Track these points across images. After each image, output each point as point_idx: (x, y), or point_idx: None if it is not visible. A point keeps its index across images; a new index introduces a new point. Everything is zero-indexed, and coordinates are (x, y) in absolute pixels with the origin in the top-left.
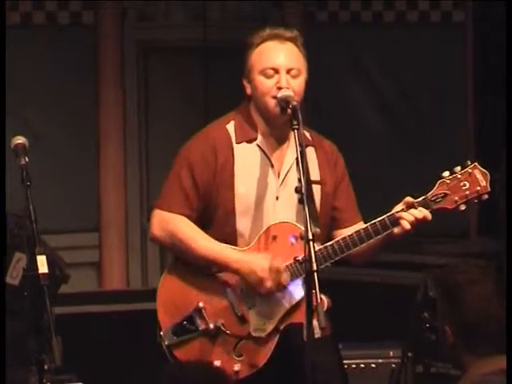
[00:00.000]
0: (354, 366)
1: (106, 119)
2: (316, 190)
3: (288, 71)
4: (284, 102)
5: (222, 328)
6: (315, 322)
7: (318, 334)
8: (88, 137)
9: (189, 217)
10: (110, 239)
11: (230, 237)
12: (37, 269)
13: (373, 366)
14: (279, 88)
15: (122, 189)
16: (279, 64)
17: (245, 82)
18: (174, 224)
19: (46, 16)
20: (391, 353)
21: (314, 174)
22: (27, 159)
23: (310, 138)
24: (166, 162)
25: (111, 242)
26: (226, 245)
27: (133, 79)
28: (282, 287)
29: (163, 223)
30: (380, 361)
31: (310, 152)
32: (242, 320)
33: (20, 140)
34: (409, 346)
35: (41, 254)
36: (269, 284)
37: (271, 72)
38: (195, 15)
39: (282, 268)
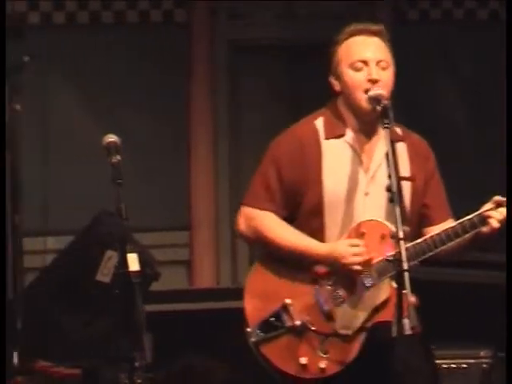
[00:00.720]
0: (444, 366)
1: (197, 118)
2: (406, 186)
3: (377, 63)
4: (375, 101)
5: (309, 325)
6: (405, 321)
7: (407, 331)
8: (179, 135)
9: (274, 213)
10: (200, 238)
11: (317, 232)
12: (128, 267)
13: (464, 366)
14: (370, 80)
15: (212, 188)
16: (368, 56)
17: (332, 79)
18: (259, 220)
19: (139, 14)
20: (482, 353)
21: (405, 170)
22: (119, 157)
23: (400, 133)
24: (256, 161)
25: (202, 240)
26: (311, 239)
27: (223, 78)
28: (369, 265)
29: (248, 219)
30: (471, 361)
31: (401, 147)
32: (329, 317)
33: (112, 138)
34: (500, 346)
35: (132, 251)
36: (356, 259)
37: (360, 65)
38: (285, 13)
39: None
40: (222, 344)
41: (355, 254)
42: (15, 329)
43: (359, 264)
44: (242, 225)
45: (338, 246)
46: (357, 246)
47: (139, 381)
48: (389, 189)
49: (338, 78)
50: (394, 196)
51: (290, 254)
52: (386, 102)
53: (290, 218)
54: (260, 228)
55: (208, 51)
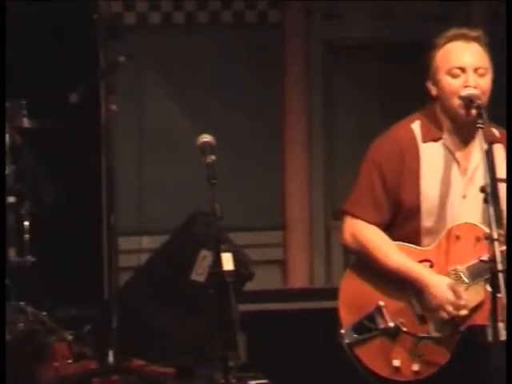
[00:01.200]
0: None
1: (291, 118)
2: (503, 188)
3: (475, 70)
4: (468, 101)
5: (402, 327)
6: (501, 325)
7: (503, 336)
8: (273, 135)
9: (379, 223)
10: (294, 238)
11: (413, 235)
12: (222, 266)
13: None
14: (466, 87)
15: (307, 188)
16: (466, 63)
17: (429, 84)
18: (365, 235)
19: (234, 15)
20: None
21: (502, 172)
22: (214, 157)
23: (497, 134)
24: (351, 162)
25: (296, 240)
26: (415, 262)
27: (317, 77)
28: (462, 309)
29: (354, 232)
30: None
31: (498, 149)
32: (423, 320)
33: (207, 138)
34: None
35: (226, 251)
36: (449, 310)
37: (458, 72)
38: (381, 13)
39: (463, 294)
40: (315, 344)
41: (453, 304)
42: (110, 328)
43: (449, 314)
44: (347, 236)
45: (441, 286)
46: (459, 297)
47: (234, 380)
48: (483, 190)
49: (435, 83)
50: (489, 197)
51: (391, 273)
52: (479, 101)
53: (388, 223)
54: (365, 244)
55: (302, 51)
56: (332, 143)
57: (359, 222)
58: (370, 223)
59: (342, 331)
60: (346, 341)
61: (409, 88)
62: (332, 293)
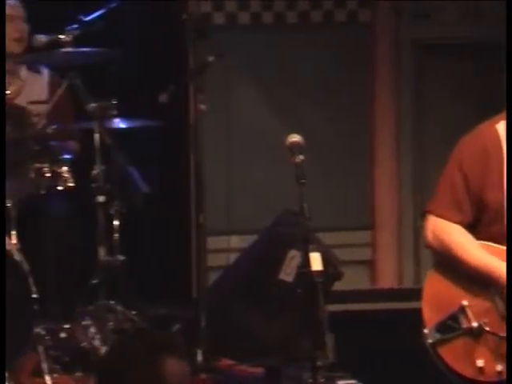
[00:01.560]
0: None
1: (380, 118)
2: None
3: None
4: None
5: (486, 327)
6: None
7: None
8: (362, 136)
9: (461, 222)
10: (383, 238)
11: (497, 236)
12: (311, 266)
13: None
14: None
15: (396, 189)
16: None
17: None
18: (447, 234)
19: (324, 14)
20: None
21: None
22: (302, 157)
23: None
24: (440, 162)
25: (384, 240)
26: (498, 260)
27: (407, 78)
28: None
29: (436, 231)
30: None
31: None
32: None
33: (295, 138)
34: None
35: (315, 251)
36: None
37: None
38: (472, 12)
39: None
40: (403, 344)
41: None
42: (199, 327)
43: None
44: (429, 236)
45: None
46: None
47: (322, 380)
48: None
49: None
50: None
51: (473, 271)
52: None
53: (472, 225)
54: (447, 242)
55: (392, 51)
56: (421, 143)
57: (441, 220)
58: (452, 222)
59: (426, 331)
60: (429, 340)
61: (499, 88)
62: (421, 293)
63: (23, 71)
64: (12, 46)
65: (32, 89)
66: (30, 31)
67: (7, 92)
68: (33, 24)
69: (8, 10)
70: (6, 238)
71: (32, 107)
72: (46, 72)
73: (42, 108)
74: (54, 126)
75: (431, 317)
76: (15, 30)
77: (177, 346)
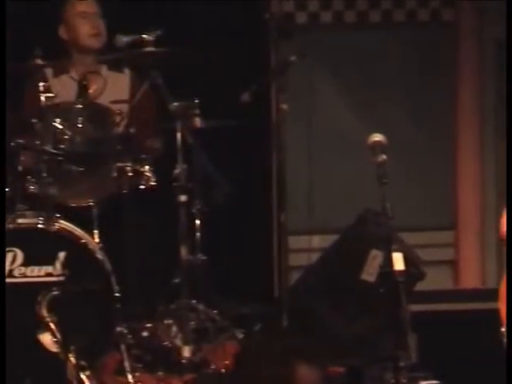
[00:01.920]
0: None
1: (463, 118)
2: None
3: None
4: None
5: None
6: None
7: None
8: (444, 136)
9: None
10: (465, 238)
11: None
12: (393, 266)
13: None
14: None
15: (479, 188)
16: None
17: None
18: None
19: (407, 13)
20: None
21: None
22: (384, 156)
23: None
24: None
25: (467, 240)
26: None
27: (491, 78)
28: None
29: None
30: None
31: None
32: None
33: (378, 137)
34: None
35: (397, 251)
36: None
37: None
38: None
39: None
40: (486, 345)
41: None
42: (281, 326)
43: None
44: (502, 229)
45: None
46: None
47: (404, 380)
48: None
49: None
50: None
51: None
52: None
53: None
54: None
55: (475, 51)
56: (504, 143)
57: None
58: None
59: (503, 329)
60: (505, 340)
61: None
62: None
63: (104, 70)
64: (90, 42)
65: (114, 88)
66: (111, 30)
67: (90, 91)
68: (115, 24)
69: (82, 7)
70: (89, 237)
71: (114, 106)
72: (127, 71)
73: (124, 107)
74: (136, 126)
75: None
76: (91, 26)
77: (310, 353)
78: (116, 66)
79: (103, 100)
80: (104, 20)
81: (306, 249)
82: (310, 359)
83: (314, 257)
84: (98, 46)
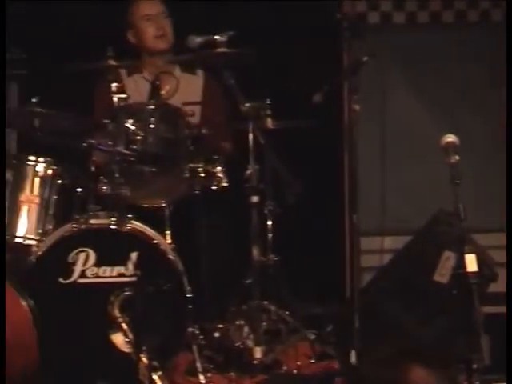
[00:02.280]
0: None
1: None
2: None
3: None
4: None
5: None
6: None
7: None
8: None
9: None
10: None
11: None
12: (466, 267)
13: None
14: None
15: None
16: None
17: None
18: None
19: (456, 14)
20: None
21: None
22: (457, 157)
23: None
24: None
25: None
26: None
27: None
28: None
29: None
30: None
31: None
32: None
33: (451, 138)
34: None
35: (470, 252)
36: None
37: None
38: None
39: None
40: None
41: None
42: (353, 327)
43: None
44: None
45: None
46: None
47: (477, 382)
48: None
49: None
50: None
51: None
52: None
53: None
54: None
55: None
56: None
57: None
58: None
59: None
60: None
61: None
62: None
63: (177, 72)
64: (156, 44)
65: (187, 89)
66: (181, 31)
67: (162, 92)
68: (185, 24)
69: (146, 10)
70: (161, 238)
71: (187, 108)
72: (200, 73)
73: (196, 108)
74: (208, 126)
75: None
76: (156, 28)
77: (427, 356)
78: (189, 68)
79: (176, 101)
80: (171, 19)
81: (378, 250)
82: (426, 363)
83: (386, 258)
84: (164, 47)
